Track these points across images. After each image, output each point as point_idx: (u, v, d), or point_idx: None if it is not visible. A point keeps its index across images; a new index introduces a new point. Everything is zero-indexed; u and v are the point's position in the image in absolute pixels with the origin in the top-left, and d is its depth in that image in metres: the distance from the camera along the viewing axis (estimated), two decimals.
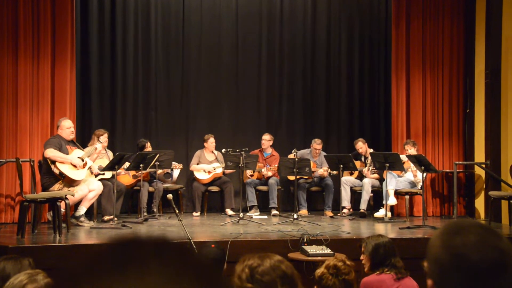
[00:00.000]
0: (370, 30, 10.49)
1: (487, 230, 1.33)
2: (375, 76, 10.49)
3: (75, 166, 7.23)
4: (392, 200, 8.48)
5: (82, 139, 8.63)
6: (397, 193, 8.62)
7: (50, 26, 8.20)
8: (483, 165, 8.88)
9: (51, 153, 7.07)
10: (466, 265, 1.27)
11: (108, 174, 7.95)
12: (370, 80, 10.49)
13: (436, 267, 1.32)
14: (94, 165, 7.73)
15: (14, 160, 7.09)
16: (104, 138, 7.85)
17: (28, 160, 7.43)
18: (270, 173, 9.14)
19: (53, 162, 7.10)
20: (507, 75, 8.57)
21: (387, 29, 10.14)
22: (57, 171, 7.09)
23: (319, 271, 3.37)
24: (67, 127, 7.42)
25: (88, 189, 7.31)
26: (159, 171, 8.65)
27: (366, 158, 9.21)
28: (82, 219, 7.35)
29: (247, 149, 8.46)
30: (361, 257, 3.93)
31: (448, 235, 1.33)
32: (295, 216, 7.86)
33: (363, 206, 8.72)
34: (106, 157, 8.21)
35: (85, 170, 7.37)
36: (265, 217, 8.55)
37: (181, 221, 5.54)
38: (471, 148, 9.32)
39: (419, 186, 8.57)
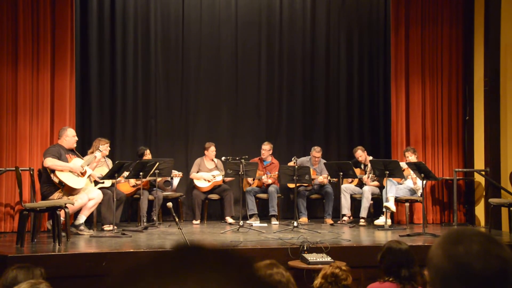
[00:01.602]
0: (369, 38, 10.52)
1: (489, 239, 1.32)
2: (374, 83, 10.51)
3: (75, 173, 7.22)
4: (390, 204, 8.44)
5: (82, 147, 8.61)
6: (397, 201, 8.62)
7: (50, 35, 8.20)
8: (483, 172, 8.88)
9: (50, 162, 7.07)
10: (469, 274, 1.27)
11: (107, 183, 7.95)
12: (370, 87, 10.51)
13: (438, 276, 1.32)
14: (94, 173, 7.72)
15: (14, 169, 7.07)
16: (104, 147, 7.84)
17: (28, 169, 7.42)
18: (270, 181, 9.13)
19: (53, 171, 7.09)
20: (506, 82, 8.58)
21: (386, 37, 10.17)
22: (56, 180, 7.08)
23: (317, 282, 3.33)
24: (72, 135, 7.44)
25: (88, 198, 7.30)
26: (159, 179, 8.65)
27: (365, 165, 9.20)
28: (82, 227, 7.34)
29: (247, 157, 8.45)
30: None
31: (450, 244, 1.32)
32: (295, 224, 7.85)
33: (363, 213, 8.71)
34: (106, 166, 8.21)
35: (85, 179, 7.36)
36: (265, 225, 8.53)
37: (181, 229, 5.54)
38: (470, 156, 9.32)
39: (419, 194, 8.56)
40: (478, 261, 1.27)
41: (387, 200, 8.36)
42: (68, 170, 7.17)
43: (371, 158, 9.08)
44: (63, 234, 6.59)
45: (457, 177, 9.09)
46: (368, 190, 8.79)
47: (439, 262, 1.31)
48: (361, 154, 9.27)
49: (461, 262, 1.28)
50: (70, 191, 7.19)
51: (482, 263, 1.26)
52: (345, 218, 8.86)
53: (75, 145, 7.49)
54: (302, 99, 10.29)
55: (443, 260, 1.31)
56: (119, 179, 7.69)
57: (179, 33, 9.85)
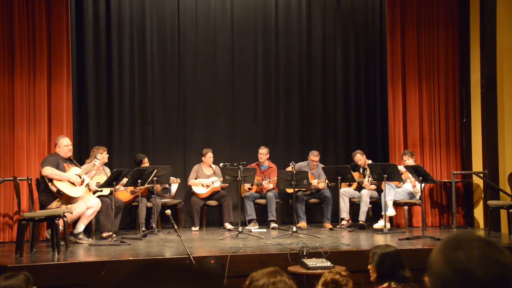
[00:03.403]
0: (365, 42, 10.53)
1: (489, 244, 1.32)
2: (371, 87, 10.51)
3: (73, 183, 7.22)
4: (391, 211, 8.47)
5: (80, 156, 8.61)
6: (396, 204, 8.61)
7: (46, 44, 8.20)
8: (481, 174, 8.88)
9: (49, 171, 7.07)
10: (470, 280, 1.26)
11: (106, 191, 7.94)
12: (367, 91, 10.52)
13: (439, 283, 1.31)
14: (92, 182, 7.71)
15: (12, 178, 7.06)
16: (102, 155, 7.82)
17: (26, 178, 7.41)
18: (271, 185, 9.12)
19: (51, 180, 7.08)
20: (502, 84, 8.60)
21: (382, 40, 10.19)
22: (54, 189, 7.07)
23: None
24: (64, 145, 7.42)
25: (86, 206, 7.29)
26: (157, 186, 8.63)
27: (364, 169, 9.20)
28: (81, 236, 7.32)
29: (244, 162, 8.45)
30: (369, 267, 3.80)
31: (450, 249, 1.32)
32: (294, 229, 7.85)
33: (362, 217, 8.71)
34: (104, 174, 8.20)
35: (83, 187, 7.35)
36: (264, 230, 8.52)
37: (180, 236, 5.53)
38: (468, 158, 9.33)
39: (417, 197, 8.55)
40: (478, 267, 1.26)
41: (386, 205, 8.35)
42: (66, 180, 7.17)
43: (370, 161, 9.08)
44: (62, 243, 6.59)
45: (456, 180, 9.09)
46: (366, 194, 8.79)
47: (440, 268, 1.31)
48: (360, 158, 9.27)
49: (462, 268, 1.27)
50: (68, 199, 7.18)
51: (483, 269, 1.26)
52: (344, 222, 8.85)
53: (69, 154, 7.47)
54: (299, 103, 10.29)
55: (443, 266, 1.30)
56: (117, 187, 7.68)
57: (175, 39, 9.85)
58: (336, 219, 8.93)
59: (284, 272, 2.25)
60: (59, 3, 8.32)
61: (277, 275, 2.16)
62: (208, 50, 9.97)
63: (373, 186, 8.96)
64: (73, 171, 7.33)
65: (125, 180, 7.85)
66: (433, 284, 1.33)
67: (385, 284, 3.59)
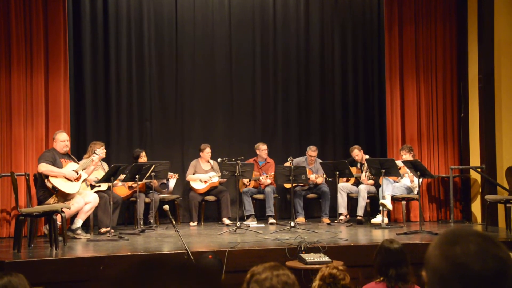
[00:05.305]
0: (363, 36, 10.54)
1: (486, 239, 1.32)
2: (369, 82, 10.52)
3: (69, 179, 7.20)
4: (387, 202, 8.44)
5: (78, 151, 8.60)
6: (394, 199, 8.62)
7: (43, 39, 8.17)
8: (479, 169, 8.89)
9: (44, 167, 7.05)
10: (468, 274, 1.26)
11: (104, 186, 7.93)
12: (364, 86, 10.52)
13: (436, 278, 1.31)
14: (90, 178, 7.70)
15: (9, 174, 7.06)
16: (100, 150, 7.81)
17: (23, 174, 7.40)
18: (269, 181, 9.13)
19: (46, 176, 7.06)
20: (500, 79, 8.59)
21: (380, 35, 10.18)
22: (50, 185, 7.05)
23: (315, 284, 3.32)
24: (61, 140, 7.40)
25: (84, 202, 7.28)
26: (155, 182, 8.63)
27: (362, 164, 9.21)
28: (79, 231, 7.32)
29: (242, 158, 8.46)
30: None
31: (447, 245, 1.32)
32: (292, 224, 7.85)
33: (359, 212, 8.72)
34: (102, 169, 8.19)
35: (79, 183, 7.33)
36: (262, 225, 8.53)
37: (178, 231, 5.53)
38: (466, 153, 9.34)
39: (415, 192, 8.56)
40: (475, 261, 1.26)
41: (383, 198, 8.37)
42: (62, 176, 7.15)
43: (367, 157, 9.08)
44: (60, 238, 6.59)
45: (453, 174, 9.11)
46: (364, 189, 8.79)
47: (437, 263, 1.31)
48: (357, 153, 9.27)
49: (459, 263, 1.27)
50: (64, 196, 7.16)
51: (480, 263, 1.26)
52: (342, 217, 8.86)
53: (65, 149, 7.44)
54: (297, 98, 10.29)
55: (440, 261, 1.30)
56: (115, 182, 7.67)
57: (173, 35, 9.83)
58: (334, 214, 8.94)
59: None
60: None
61: (279, 268, 2.17)
62: (206, 44, 9.96)
63: (371, 181, 8.98)
64: (70, 167, 7.31)
65: (123, 175, 7.84)
66: (430, 279, 1.33)
67: (378, 280, 3.61)
